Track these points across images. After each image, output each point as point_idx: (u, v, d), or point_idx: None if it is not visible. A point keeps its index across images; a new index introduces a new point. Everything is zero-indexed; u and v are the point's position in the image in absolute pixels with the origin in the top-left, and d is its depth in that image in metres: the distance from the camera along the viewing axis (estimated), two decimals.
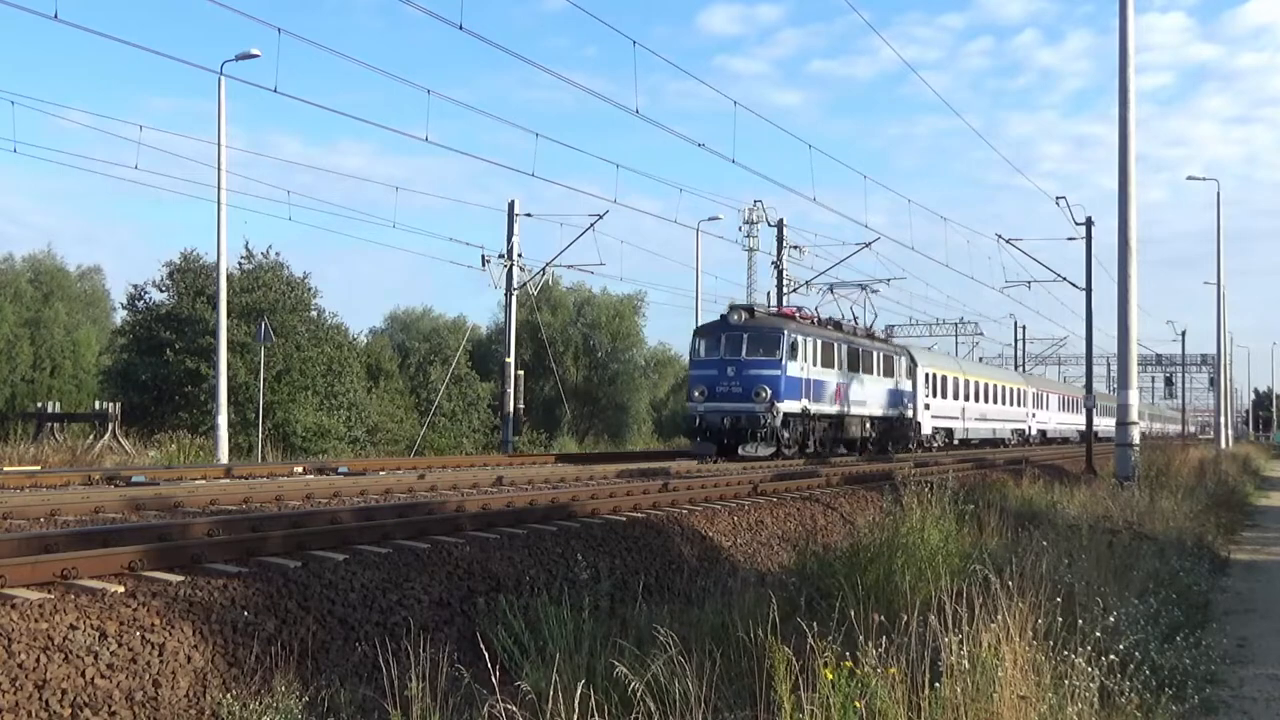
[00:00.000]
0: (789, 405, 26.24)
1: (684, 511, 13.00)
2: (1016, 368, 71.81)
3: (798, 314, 29.62)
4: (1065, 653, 5.33)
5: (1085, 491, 17.86)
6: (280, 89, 23.09)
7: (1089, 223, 33.00)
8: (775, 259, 41.20)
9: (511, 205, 34.82)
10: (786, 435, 26.26)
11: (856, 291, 37.88)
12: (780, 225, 41.80)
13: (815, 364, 27.91)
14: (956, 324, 64.51)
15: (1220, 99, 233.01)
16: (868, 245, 39.83)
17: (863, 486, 18.05)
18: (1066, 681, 5.12)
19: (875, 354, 33.11)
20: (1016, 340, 75.48)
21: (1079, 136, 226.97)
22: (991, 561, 7.10)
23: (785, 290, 40.71)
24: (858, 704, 4.64)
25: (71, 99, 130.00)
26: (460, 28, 16.48)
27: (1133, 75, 19.73)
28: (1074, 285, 35.18)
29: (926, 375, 37.78)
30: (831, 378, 29.08)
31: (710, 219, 55.66)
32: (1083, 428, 60.71)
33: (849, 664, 4.82)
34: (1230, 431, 65.34)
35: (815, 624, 5.21)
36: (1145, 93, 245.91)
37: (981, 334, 67.27)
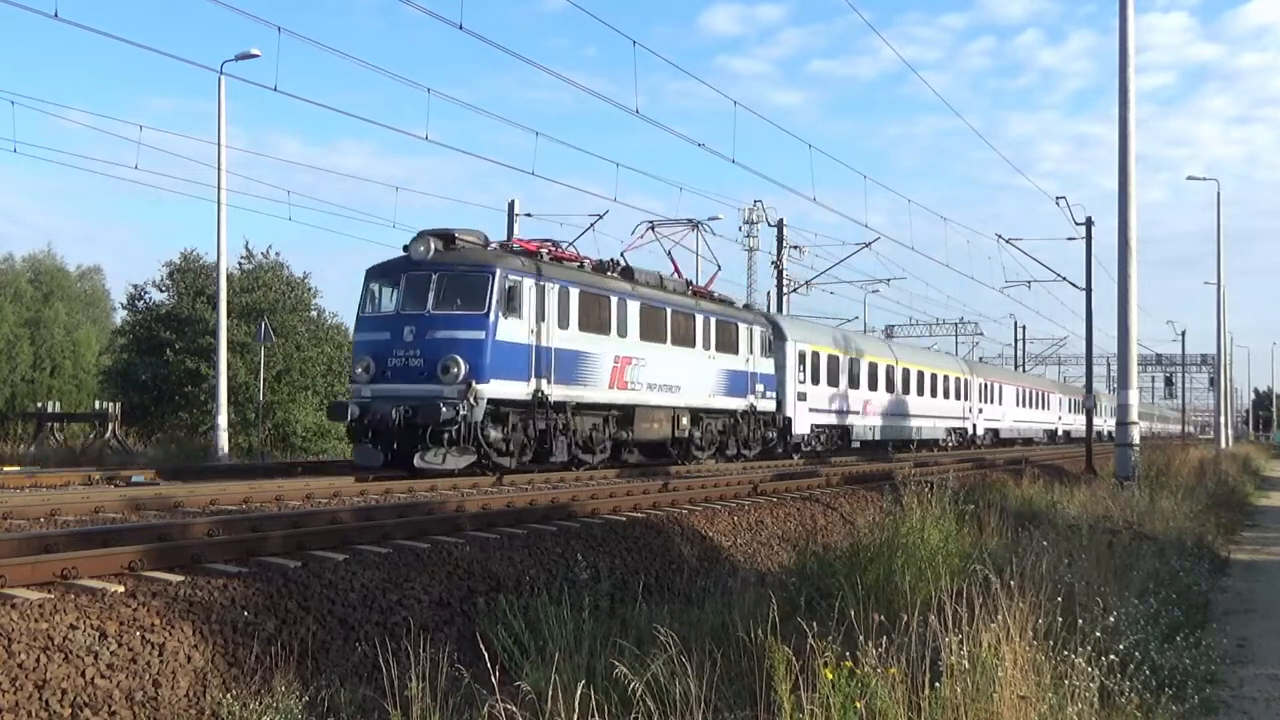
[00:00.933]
0: (500, 387, 17.16)
1: (684, 511, 13.01)
2: (1016, 367, 71.77)
3: (545, 249, 19.88)
4: (1065, 653, 5.33)
5: (1085, 491, 17.86)
6: (280, 88, 23.12)
7: (1089, 223, 33.02)
8: (775, 259, 41.21)
9: (511, 205, 34.79)
10: (498, 434, 17.35)
11: (683, 231, 26.27)
12: (780, 225, 41.82)
13: (566, 325, 18.79)
14: (956, 324, 64.63)
15: (1221, 99, 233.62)
16: (868, 245, 39.87)
17: (863, 486, 18.06)
18: (1066, 681, 5.12)
19: (700, 320, 23.46)
20: (1016, 340, 75.58)
21: (1079, 136, 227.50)
22: (991, 561, 7.09)
23: (785, 290, 40.72)
24: (858, 704, 4.64)
25: (71, 99, 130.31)
26: (460, 28, 16.47)
27: (1133, 75, 19.74)
28: (1074, 285, 35.21)
29: (802, 354, 28.87)
30: (604, 348, 19.85)
31: (710, 218, 55.61)
32: (1049, 426, 57.70)
33: (849, 664, 4.82)
34: (1230, 431, 65.33)
35: (815, 624, 5.21)
36: (1146, 93, 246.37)
37: (981, 334, 67.43)
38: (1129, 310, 19.88)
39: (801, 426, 28.60)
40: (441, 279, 17.48)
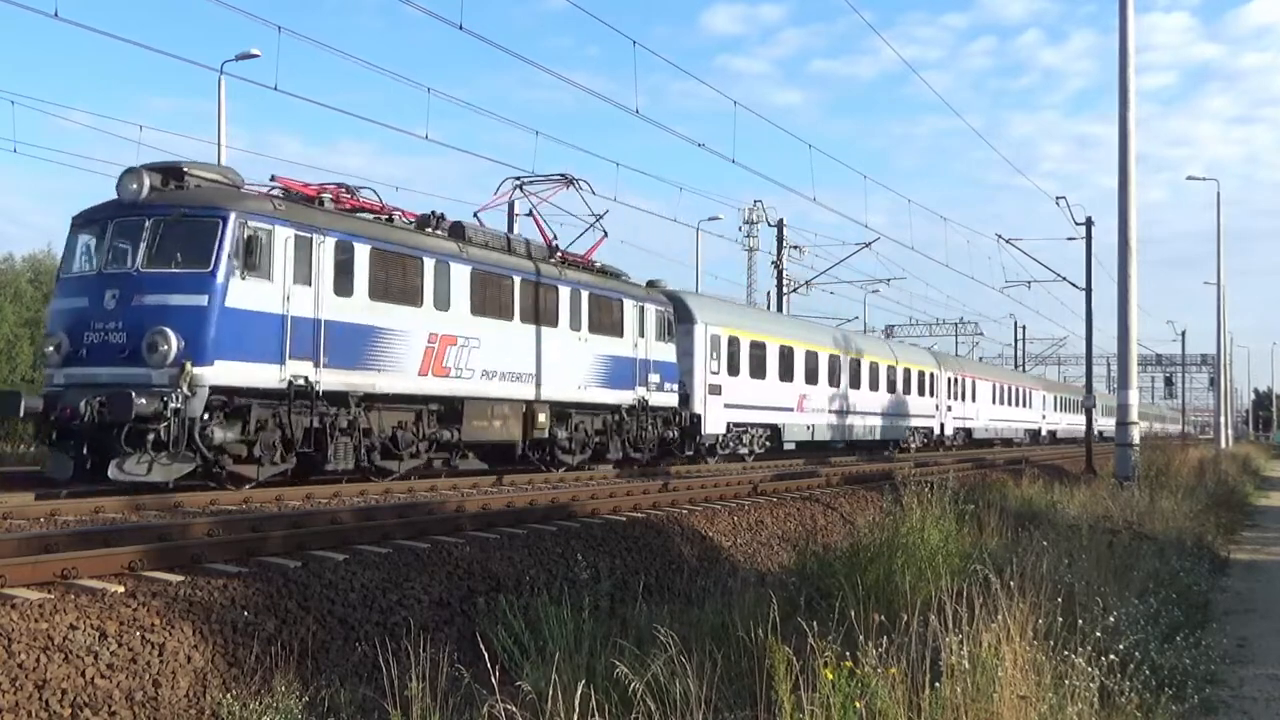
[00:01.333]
0: (232, 371, 13.08)
1: (684, 511, 13.02)
2: (1016, 367, 71.77)
3: (330, 193, 15.63)
4: (1065, 653, 5.33)
5: (1085, 491, 17.86)
6: (280, 88, 23.14)
7: (1089, 223, 33.03)
8: (775, 259, 41.23)
9: (511, 205, 34.76)
10: (231, 435, 13.27)
11: (553, 188, 21.29)
12: (780, 225, 41.86)
13: (349, 292, 14.59)
14: (956, 324, 64.66)
15: (1222, 99, 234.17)
16: (868, 245, 39.96)
17: (863, 486, 18.07)
18: (1066, 681, 5.12)
19: (566, 293, 19.38)
20: (1016, 340, 75.63)
21: (1081, 136, 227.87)
22: (991, 561, 7.10)
23: (785, 290, 40.74)
24: (858, 704, 4.64)
25: (72, 99, 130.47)
26: (460, 28, 16.50)
27: (1133, 75, 19.73)
28: (1074, 285, 35.22)
29: (715, 339, 24.71)
30: (413, 324, 15.68)
31: (710, 219, 55.84)
32: (1031, 426, 53.82)
33: (849, 664, 4.82)
34: (1230, 431, 65.32)
35: (815, 624, 5.21)
36: (1147, 92, 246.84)
37: (981, 334, 67.45)
38: (1129, 310, 19.88)
39: (715, 425, 24.45)
40: (156, 226, 13.15)
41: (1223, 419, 58.67)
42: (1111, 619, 6.40)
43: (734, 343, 25.60)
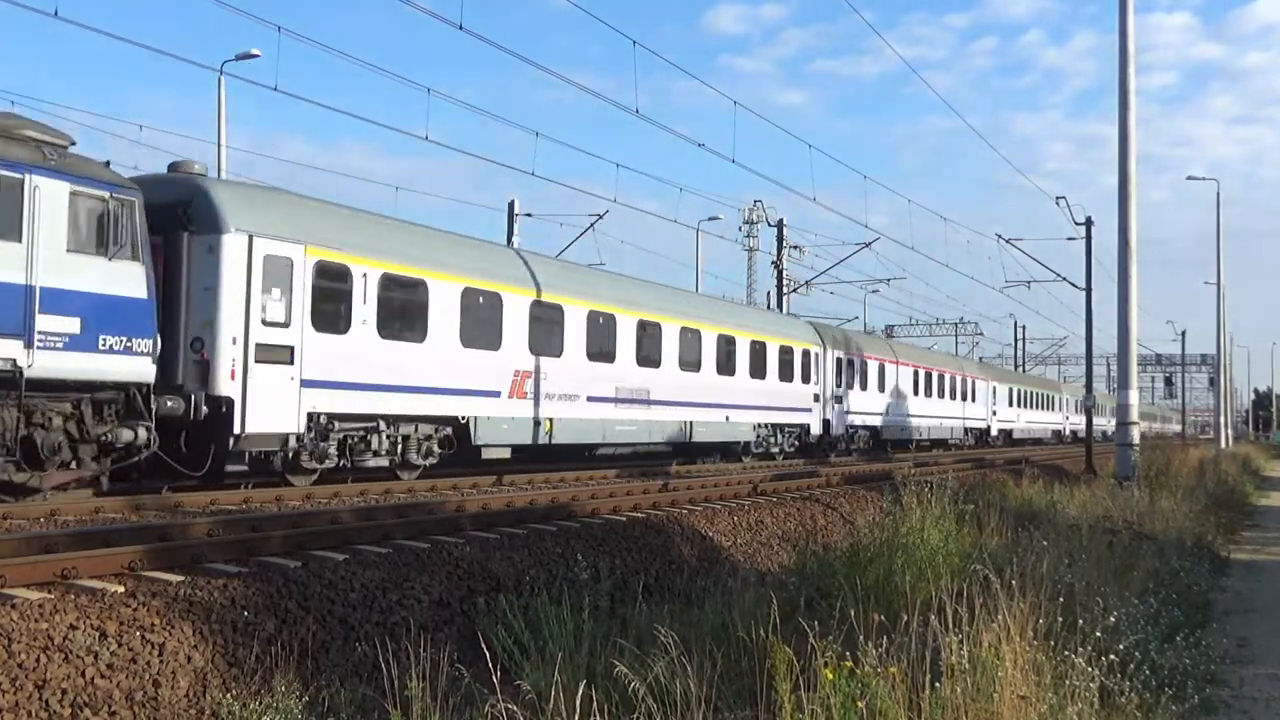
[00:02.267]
0: None
1: (684, 511, 13.02)
2: (1016, 368, 71.62)
3: None
4: (1065, 653, 5.33)
5: (1085, 491, 17.85)
6: (280, 88, 23.12)
7: (1089, 223, 32.99)
8: (775, 259, 41.22)
9: (511, 205, 34.81)
10: None
11: None
12: (780, 225, 41.83)
13: None
14: (956, 324, 64.62)
15: (1225, 98, 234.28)
16: (868, 245, 39.89)
17: (863, 486, 18.07)
18: (1067, 681, 5.12)
19: None
20: (1016, 340, 75.59)
21: (1084, 136, 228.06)
22: (991, 561, 7.09)
23: (785, 290, 40.73)
24: (858, 704, 4.64)
25: (72, 99, 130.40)
26: (460, 28, 16.48)
27: (1133, 75, 19.72)
28: (1074, 285, 35.14)
29: (280, 265, 13.73)
30: None
31: (710, 219, 55.82)
32: (974, 424, 45.76)
33: (849, 664, 4.82)
34: (1230, 431, 65.27)
35: (815, 624, 5.21)
36: (1150, 92, 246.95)
37: (981, 334, 67.36)
38: (1129, 310, 19.88)
39: (274, 418, 13.70)
40: None
41: (1223, 419, 58.66)
42: (1112, 619, 6.40)
43: (337, 275, 14.73)
